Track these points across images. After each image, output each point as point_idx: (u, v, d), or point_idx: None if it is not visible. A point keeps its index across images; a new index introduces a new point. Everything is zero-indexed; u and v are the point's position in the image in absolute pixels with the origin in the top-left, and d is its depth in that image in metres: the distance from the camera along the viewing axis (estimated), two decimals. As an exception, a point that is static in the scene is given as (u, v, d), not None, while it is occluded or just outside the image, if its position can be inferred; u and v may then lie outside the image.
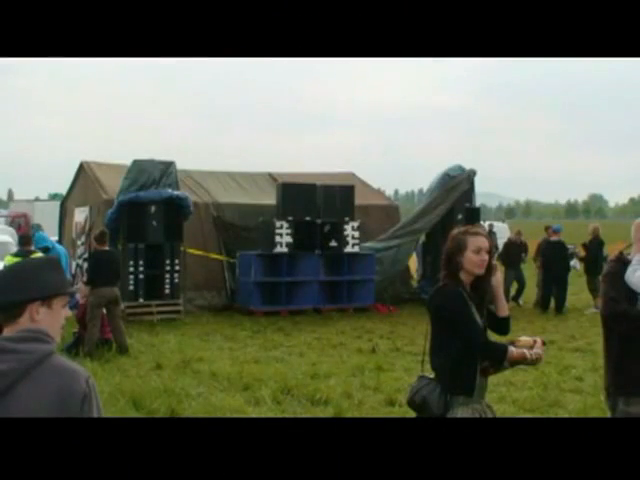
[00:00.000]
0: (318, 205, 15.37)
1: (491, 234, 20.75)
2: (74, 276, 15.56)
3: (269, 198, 15.97)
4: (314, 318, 14.48)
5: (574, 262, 19.19)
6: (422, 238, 17.24)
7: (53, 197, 39.64)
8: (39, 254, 10.15)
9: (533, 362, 3.81)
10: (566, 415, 7.31)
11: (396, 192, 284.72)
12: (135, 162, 14.44)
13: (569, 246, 17.45)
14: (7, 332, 2.31)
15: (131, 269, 13.92)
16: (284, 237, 14.88)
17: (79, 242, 16.26)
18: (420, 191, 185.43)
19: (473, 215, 16.58)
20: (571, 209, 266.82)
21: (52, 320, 2.36)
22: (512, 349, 3.71)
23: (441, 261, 3.84)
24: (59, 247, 13.35)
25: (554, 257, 15.97)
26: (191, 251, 15.06)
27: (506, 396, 8.06)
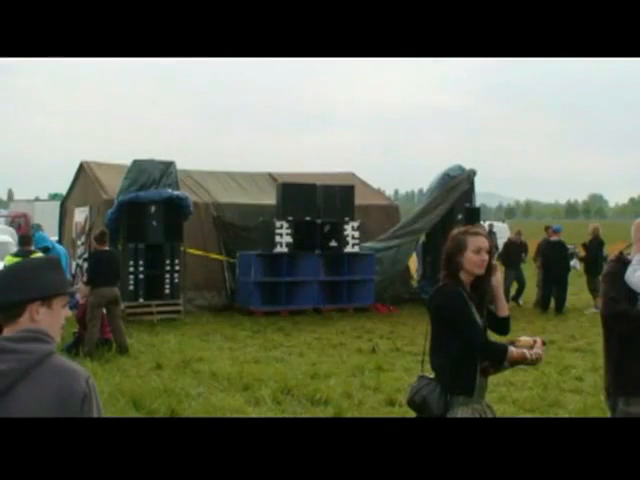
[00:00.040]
0: (318, 205, 15.37)
1: (491, 234, 20.75)
2: (74, 276, 15.56)
3: (269, 198, 15.97)
4: (314, 318, 14.48)
5: (574, 262, 19.19)
6: (422, 238, 17.24)
7: (53, 197, 39.65)
8: (39, 254, 10.15)
9: (533, 362, 3.81)
10: (566, 415, 7.31)
11: (396, 192, 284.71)
12: (135, 162, 14.44)
13: (569, 246, 17.45)
14: (7, 332, 2.31)
15: (131, 269, 13.92)
16: (284, 237, 14.88)
17: (79, 242, 16.26)
18: (420, 191, 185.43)
19: (473, 215, 16.58)
20: (571, 209, 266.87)
21: (52, 320, 2.36)
22: (512, 349, 3.71)
23: (441, 261, 3.84)
24: (59, 247, 13.35)
25: (554, 257, 15.97)
26: (191, 251, 15.06)
27: (506, 396, 8.05)
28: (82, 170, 16.57)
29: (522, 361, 3.76)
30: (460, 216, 16.21)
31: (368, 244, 16.16)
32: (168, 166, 14.63)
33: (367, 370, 9.51)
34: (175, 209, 14.26)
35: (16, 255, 10.19)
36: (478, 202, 17.99)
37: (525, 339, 3.85)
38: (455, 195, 16.55)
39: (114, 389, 7.98)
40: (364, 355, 10.72)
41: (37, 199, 40.82)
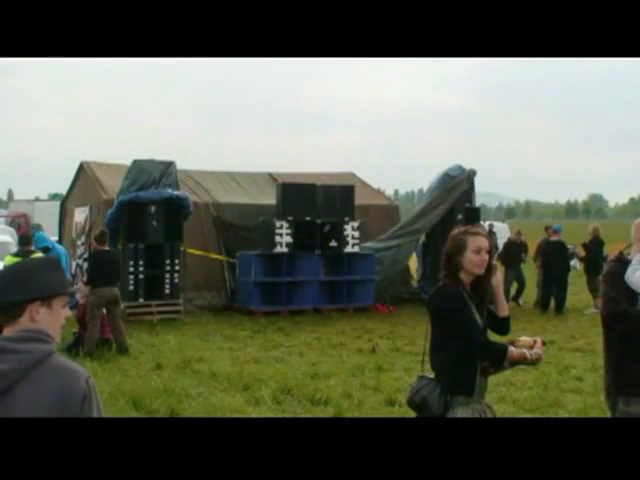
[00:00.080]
0: (318, 205, 15.37)
1: (491, 234, 20.75)
2: (74, 276, 15.56)
3: (269, 198, 15.97)
4: (314, 318, 14.48)
5: (574, 262, 19.19)
6: (422, 238, 17.24)
7: (53, 197, 39.66)
8: (39, 254, 10.15)
9: (533, 362, 3.81)
10: (566, 415, 7.31)
11: (396, 192, 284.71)
12: (135, 162, 14.44)
13: (569, 246, 17.45)
14: (7, 332, 2.31)
15: (131, 269, 13.92)
16: (284, 237, 14.88)
17: (79, 242, 16.26)
18: (420, 191, 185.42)
19: (473, 215, 16.58)
20: (571, 209, 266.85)
21: (52, 320, 2.36)
22: (512, 349, 3.71)
23: (441, 261, 3.84)
24: (59, 247, 13.35)
25: (554, 257, 15.97)
26: (191, 251, 15.06)
27: (506, 396, 8.05)
28: (82, 170, 16.57)
29: (522, 361, 3.76)
30: (460, 216, 16.21)
31: (368, 244, 16.16)
32: (168, 166, 14.64)
33: (367, 370, 9.51)
34: (175, 209, 14.27)
35: (16, 255, 10.19)
36: (478, 202, 17.99)
37: (525, 339, 3.85)
38: (455, 195, 16.55)
39: (114, 389, 7.98)
40: (364, 355, 10.72)
41: (37, 199, 40.82)
